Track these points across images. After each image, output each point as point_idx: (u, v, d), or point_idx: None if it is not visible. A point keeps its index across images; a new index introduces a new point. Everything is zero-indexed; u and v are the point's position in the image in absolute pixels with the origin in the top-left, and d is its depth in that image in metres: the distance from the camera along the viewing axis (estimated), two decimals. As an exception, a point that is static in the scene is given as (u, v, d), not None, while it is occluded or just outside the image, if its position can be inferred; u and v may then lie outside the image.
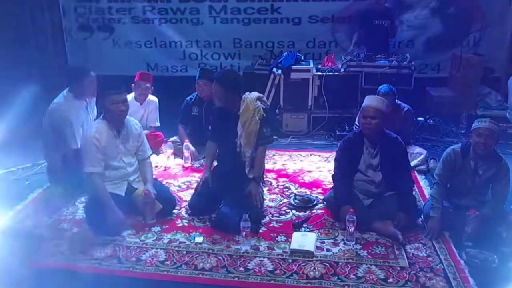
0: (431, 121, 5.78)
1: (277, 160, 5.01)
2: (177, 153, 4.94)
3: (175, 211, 3.85)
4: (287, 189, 4.31)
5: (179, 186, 4.38)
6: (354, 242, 3.36)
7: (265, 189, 4.16)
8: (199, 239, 3.43)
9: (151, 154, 3.96)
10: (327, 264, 3.13)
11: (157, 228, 3.59)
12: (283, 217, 3.80)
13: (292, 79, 5.83)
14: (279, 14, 6.82)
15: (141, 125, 3.98)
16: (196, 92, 5.00)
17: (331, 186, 3.91)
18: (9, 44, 6.31)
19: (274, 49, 6.75)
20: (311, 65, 5.99)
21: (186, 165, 4.79)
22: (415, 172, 4.56)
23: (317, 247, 3.30)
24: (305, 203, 3.96)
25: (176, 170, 4.75)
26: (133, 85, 5.01)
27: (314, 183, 4.44)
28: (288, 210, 3.90)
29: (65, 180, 4.18)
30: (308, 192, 4.24)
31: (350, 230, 3.35)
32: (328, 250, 3.30)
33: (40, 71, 6.78)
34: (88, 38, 7.17)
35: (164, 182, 4.30)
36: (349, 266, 3.11)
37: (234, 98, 3.71)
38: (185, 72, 7.15)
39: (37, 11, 6.72)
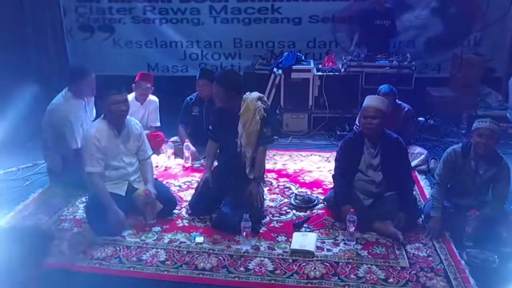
0: (432, 121, 5.78)
1: (277, 160, 5.01)
2: (178, 153, 4.94)
3: (175, 211, 3.85)
4: (287, 189, 4.31)
5: (180, 186, 4.38)
6: (354, 242, 3.36)
7: (265, 189, 4.16)
8: (199, 239, 3.43)
9: (151, 154, 3.96)
10: (327, 264, 3.13)
11: (157, 228, 3.59)
12: (283, 217, 3.80)
13: (292, 79, 5.83)
14: (280, 14, 6.82)
15: (142, 125, 3.98)
16: (196, 92, 5.00)
17: (331, 186, 3.91)
18: (10, 44, 6.31)
19: (275, 49, 6.76)
20: (312, 65, 5.98)
21: (187, 165, 4.79)
22: (416, 172, 4.56)
23: (317, 247, 3.30)
24: (306, 203, 3.96)
25: (176, 170, 4.75)
26: (133, 85, 5.01)
27: (314, 183, 4.44)
28: (288, 210, 3.90)
29: (66, 180, 4.19)
30: (309, 192, 4.24)
31: (351, 230, 3.34)
32: (328, 250, 3.30)
33: (41, 71, 6.78)
34: (88, 38, 7.18)
35: (164, 182, 4.30)
36: (350, 266, 3.11)
37: (234, 98, 3.70)
38: (185, 72, 7.16)
39: (37, 11, 6.73)
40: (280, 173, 4.67)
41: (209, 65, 6.84)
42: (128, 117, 3.69)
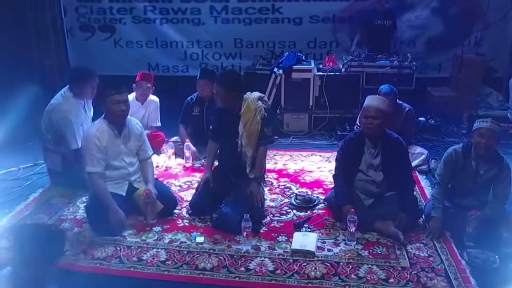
0: (432, 121, 5.79)
1: (278, 160, 5.01)
2: (178, 153, 4.94)
3: (176, 211, 3.84)
4: (288, 189, 4.31)
5: (180, 186, 4.38)
6: (355, 242, 3.35)
7: (266, 189, 4.16)
8: (200, 239, 3.43)
9: (152, 154, 3.96)
10: (328, 264, 3.13)
11: (158, 228, 3.59)
12: (284, 217, 3.80)
13: (293, 79, 5.83)
14: (280, 14, 6.82)
15: (142, 125, 3.98)
16: (197, 92, 5.00)
17: (332, 186, 3.91)
18: (10, 44, 6.31)
19: (275, 49, 6.76)
20: (312, 65, 5.98)
21: (187, 165, 4.79)
22: (416, 172, 4.56)
23: (318, 247, 3.30)
24: (306, 203, 3.96)
25: (177, 170, 4.75)
26: (134, 85, 5.01)
27: (315, 183, 4.44)
28: (289, 210, 3.90)
29: (66, 180, 4.19)
30: (309, 192, 4.24)
31: (351, 230, 3.34)
32: (329, 250, 3.30)
33: (41, 71, 6.79)
34: (89, 38, 7.18)
35: (165, 182, 4.30)
36: (350, 266, 3.10)
37: (235, 98, 3.70)
38: (186, 72, 7.16)
39: (38, 11, 6.73)
40: (280, 173, 4.67)
41: (209, 65, 6.84)
42: (128, 117, 3.69)
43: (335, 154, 3.92)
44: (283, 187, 4.37)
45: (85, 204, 3.90)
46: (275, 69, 5.84)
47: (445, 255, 3.23)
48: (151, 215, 3.62)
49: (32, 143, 5.09)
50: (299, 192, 4.24)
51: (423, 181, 4.44)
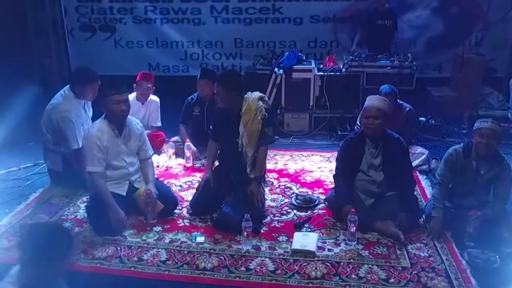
0: (433, 121, 5.78)
1: (278, 160, 5.00)
2: (179, 153, 4.94)
3: (176, 211, 3.84)
4: (288, 189, 4.31)
5: (181, 186, 4.38)
6: (355, 242, 3.35)
7: (266, 189, 4.15)
8: (200, 239, 3.43)
9: (152, 154, 3.96)
10: (328, 264, 3.12)
11: (158, 228, 3.59)
12: (284, 217, 3.80)
13: (293, 79, 5.82)
14: (281, 14, 6.83)
15: (143, 125, 3.98)
16: (197, 92, 5.00)
17: (332, 186, 3.90)
18: (11, 44, 6.32)
19: (276, 49, 6.77)
20: (313, 65, 5.98)
21: (188, 165, 4.79)
22: (417, 172, 4.55)
23: (318, 247, 3.30)
24: (307, 203, 3.96)
25: (177, 170, 4.75)
26: (134, 85, 5.01)
27: (315, 183, 4.43)
28: (289, 210, 3.90)
29: (66, 180, 4.19)
30: (310, 192, 4.24)
31: (352, 230, 3.34)
32: (329, 250, 3.30)
33: (41, 71, 6.80)
34: (89, 38, 7.19)
35: (165, 182, 4.29)
36: (351, 266, 3.10)
37: (236, 98, 3.70)
38: (186, 72, 7.17)
39: (38, 11, 6.74)
40: (281, 173, 4.67)
41: (210, 65, 6.86)
42: (129, 117, 3.68)
43: (335, 154, 3.92)
44: (283, 187, 4.36)
45: (85, 204, 3.90)
46: (276, 69, 5.83)
47: (446, 255, 3.23)
48: (152, 215, 3.62)
49: (33, 143, 5.09)
50: (299, 192, 4.24)
51: (423, 181, 4.44)
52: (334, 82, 5.83)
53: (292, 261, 3.17)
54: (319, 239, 3.40)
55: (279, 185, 4.39)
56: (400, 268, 3.08)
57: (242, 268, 3.10)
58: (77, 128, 4.02)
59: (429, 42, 6.73)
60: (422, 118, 5.73)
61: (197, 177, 4.48)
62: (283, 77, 5.80)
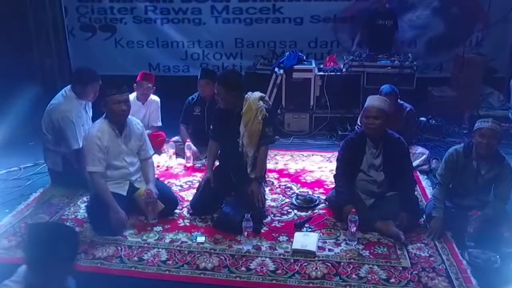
0: (433, 121, 5.78)
1: (279, 160, 5.00)
2: (179, 153, 4.95)
3: (177, 210, 3.84)
4: (289, 189, 4.31)
5: (181, 186, 4.38)
6: (356, 242, 3.35)
7: (267, 189, 4.15)
8: (201, 239, 3.42)
9: (153, 154, 3.96)
10: (329, 264, 3.12)
11: (159, 228, 3.59)
12: (285, 217, 3.80)
13: (294, 79, 5.82)
14: (281, 14, 6.83)
15: (143, 125, 3.98)
16: (198, 92, 5.00)
17: (333, 186, 3.90)
18: (11, 44, 6.32)
19: (276, 49, 6.77)
20: (313, 65, 5.98)
21: (188, 165, 4.79)
22: (417, 172, 4.55)
23: (319, 247, 3.29)
24: (307, 203, 3.96)
25: (178, 169, 4.75)
26: (135, 85, 5.01)
27: (316, 183, 4.43)
28: (290, 210, 3.90)
29: (66, 180, 4.19)
30: (310, 192, 4.24)
31: (352, 230, 3.34)
32: (330, 250, 3.30)
33: (42, 71, 6.80)
34: (90, 38, 7.20)
35: (166, 182, 4.30)
36: (351, 266, 3.10)
37: (236, 98, 3.70)
38: (187, 72, 7.17)
39: (39, 11, 6.74)
40: (281, 173, 4.66)
41: (210, 65, 6.86)
42: (129, 116, 3.68)
43: (336, 154, 3.91)
44: (284, 187, 4.36)
45: (86, 204, 3.90)
46: (276, 69, 5.83)
47: (446, 255, 3.22)
48: (152, 215, 3.62)
49: (33, 143, 5.09)
50: (300, 192, 4.23)
51: (424, 181, 4.43)
52: (335, 82, 5.82)
53: (292, 261, 3.17)
54: (319, 239, 3.40)
55: (280, 185, 4.39)
56: (400, 268, 3.08)
57: (243, 268, 3.10)
58: (77, 128, 4.02)
59: (429, 42, 6.73)
60: (422, 118, 5.72)
61: (198, 177, 4.48)
62: (284, 77, 5.80)
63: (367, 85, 5.71)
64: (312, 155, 5.18)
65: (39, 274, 1.88)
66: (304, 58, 6.12)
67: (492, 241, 3.22)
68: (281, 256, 3.23)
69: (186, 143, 4.84)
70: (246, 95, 3.76)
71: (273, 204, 4.00)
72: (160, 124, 5.22)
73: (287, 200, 4.07)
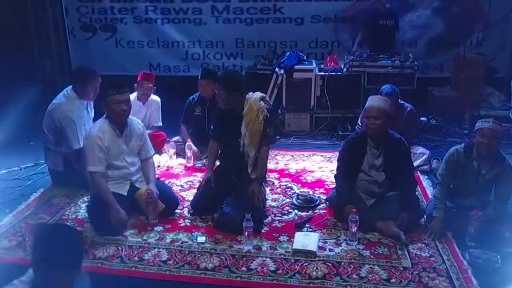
0: (434, 121, 5.78)
1: (279, 160, 5.00)
2: (180, 153, 4.95)
3: (177, 210, 3.84)
4: (289, 189, 4.31)
5: (182, 186, 4.38)
6: (356, 242, 3.35)
7: (267, 189, 4.16)
8: (201, 239, 3.42)
9: (153, 154, 3.96)
10: (329, 264, 3.12)
11: (159, 228, 3.59)
12: (285, 217, 3.80)
13: (294, 79, 5.82)
14: (282, 14, 6.83)
15: (144, 125, 3.98)
16: (198, 92, 5.00)
17: (333, 186, 3.90)
18: (12, 44, 6.32)
19: (277, 49, 6.78)
20: (314, 65, 5.98)
21: (189, 165, 4.79)
22: (418, 172, 4.55)
23: (319, 247, 3.29)
24: (308, 203, 3.96)
25: (178, 169, 4.75)
26: (135, 85, 5.01)
27: (316, 183, 4.43)
28: (290, 210, 3.90)
29: (67, 180, 4.19)
30: (311, 192, 4.24)
31: (353, 230, 3.34)
32: (330, 250, 3.30)
33: (42, 71, 6.80)
34: (90, 38, 7.19)
35: (166, 182, 4.30)
36: (352, 266, 3.10)
37: (237, 98, 3.71)
38: (187, 72, 7.16)
39: (39, 11, 6.74)
40: (282, 173, 4.66)
41: (211, 65, 6.85)
42: (130, 116, 3.68)
43: (336, 154, 3.91)
44: (284, 187, 4.36)
45: (86, 203, 3.90)
46: (277, 69, 5.84)
47: (447, 255, 3.22)
48: (153, 214, 3.62)
49: (33, 143, 5.10)
50: (300, 192, 4.23)
51: (424, 181, 4.43)
52: (335, 82, 5.82)
53: (293, 261, 3.17)
54: (320, 239, 3.40)
55: (280, 185, 4.39)
56: (401, 268, 3.08)
57: (243, 268, 3.10)
58: (78, 128, 4.02)
59: (430, 42, 6.72)
60: (423, 118, 5.72)
61: (198, 177, 4.48)
62: (284, 77, 5.80)
63: (368, 85, 5.71)
64: (313, 155, 5.18)
65: (46, 280, 1.87)
66: (305, 58, 6.12)
67: (493, 241, 3.22)
68: (282, 256, 3.23)
69: (187, 143, 4.85)
70: (247, 96, 3.76)
71: (273, 204, 4.00)
72: (160, 124, 5.22)
73: (288, 200, 4.07)
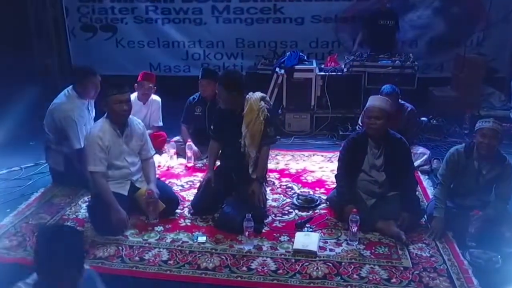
0: (435, 121, 5.77)
1: (280, 160, 5.00)
2: (180, 153, 4.95)
3: (178, 210, 3.84)
4: (290, 189, 4.31)
5: (182, 186, 4.38)
6: (357, 242, 3.35)
7: (268, 189, 4.16)
8: (202, 239, 3.42)
9: (154, 154, 3.96)
10: (330, 264, 3.12)
11: (160, 228, 3.59)
12: (286, 217, 3.80)
13: (295, 79, 5.82)
14: (282, 14, 6.83)
15: (144, 125, 3.98)
16: (199, 92, 5.00)
17: (334, 186, 3.91)
18: (12, 44, 6.33)
19: (277, 49, 6.78)
20: (314, 65, 5.97)
21: (189, 164, 4.79)
22: (419, 172, 4.55)
23: (320, 247, 3.29)
24: (308, 203, 3.96)
25: (179, 169, 4.75)
26: (136, 85, 5.01)
27: (317, 183, 4.43)
28: (291, 210, 3.90)
29: (68, 180, 4.20)
30: (311, 192, 4.23)
31: (353, 230, 3.34)
32: (331, 250, 3.30)
33: (43, 70, 6.80)
34: (91, 38, 7.20)
35: (167, 182, 4.30)
36: (352, 266, 3.10)
37: (237, 98, 3.71)
38: (188, 72, 7.17)
39: (40, 11, 6.74)
40: (282, 173, 4.66)
41: (211, 65, 6.86)
42: (130, 116, 3.68)
43: (337, 154, 3.91)
44: (285, 187, 4.36)
45: (87, 203, 3.90)
46: (277, 69, 5.83)
47: (447, 255, 3.22)
48: (153, 214, 3.62)
49: (34, 142, 5.09)
50: (301, 192, 4.23)
51: (425, 181, 4.43)
52: (336, 82, 5.82)
53: (293, 261, 3.17)
54: (320, 239, 3.40)
55: (281, 185, 4.39)
56: (401, 268, 3.08)
57: (244, 268, 3.10)
58: (79, 128, 4.02)
59: (430, 42, 6.72)
60: (423, 118, 5.72)
61: (199, 177, 4.48)
62: (285, 77, 5.80)
63: (368, 85, 5.71)
64: (313, 155, 5.18)
65: (49, 281, 1.87)
66: (305, 58, 6.12)
67: (493, 241, 3.22)
68: (282, 256, 3.23)
69: (187, 143, 4.85)
70: (247, 96, 3.76)
71: (274, 204, 4.00)
72: (161, 124, 5.22)
73: (288, 200, 4.07)
